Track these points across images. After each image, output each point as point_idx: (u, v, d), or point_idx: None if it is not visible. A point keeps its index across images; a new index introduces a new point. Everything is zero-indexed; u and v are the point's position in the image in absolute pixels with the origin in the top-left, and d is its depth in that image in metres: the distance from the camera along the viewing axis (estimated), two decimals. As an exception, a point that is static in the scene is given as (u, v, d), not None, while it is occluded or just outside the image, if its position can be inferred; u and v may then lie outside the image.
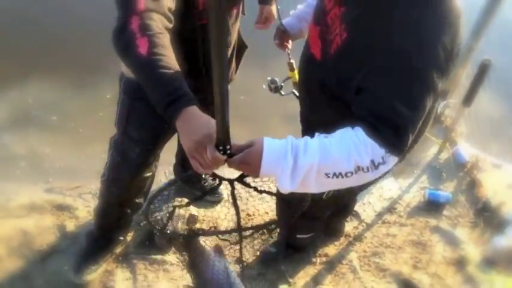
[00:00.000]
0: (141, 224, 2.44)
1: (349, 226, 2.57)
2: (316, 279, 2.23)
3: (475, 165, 2.99)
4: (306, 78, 1.60)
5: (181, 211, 2.42)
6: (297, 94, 1.95)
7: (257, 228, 1.95)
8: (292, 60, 2.04)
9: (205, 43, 1.65)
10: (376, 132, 1.08)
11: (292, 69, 2.08)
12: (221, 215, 2.56)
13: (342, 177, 1.10)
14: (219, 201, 2.68)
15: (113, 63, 1.70)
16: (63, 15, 3.85)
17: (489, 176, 2.95)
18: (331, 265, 2.31)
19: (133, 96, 1.81)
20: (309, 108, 1.65)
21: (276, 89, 2.13)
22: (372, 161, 1.09)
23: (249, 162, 1.13)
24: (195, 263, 1.72)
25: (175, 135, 2.22)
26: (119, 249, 2.30)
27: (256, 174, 1.15)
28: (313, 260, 2.35)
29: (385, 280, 2.24)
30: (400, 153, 1.11)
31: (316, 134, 1.16)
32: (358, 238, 2.50)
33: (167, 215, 2.10)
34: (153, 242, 2.35)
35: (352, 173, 1.10)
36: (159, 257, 2.28)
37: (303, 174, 1.10)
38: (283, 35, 1.91)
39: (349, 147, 1.09)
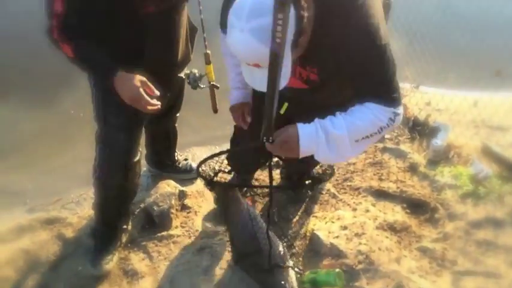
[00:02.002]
0: (136, 212, 2.57)
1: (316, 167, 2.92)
2: (307, 211, 2.54)
3: (397, 93, 3.49)
4: (298, 97, 1.78)
5: (171, 189, 2.60)
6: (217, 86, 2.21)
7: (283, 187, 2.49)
8: (208, 51, 2.17)
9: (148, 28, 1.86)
10: (381, 100, 1.44)
11: (208, 62, 2.20)
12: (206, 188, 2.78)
13: (369, 137, 1.48)
14: (195, 178, 2.88)
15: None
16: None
17: (410, 99, 3.48)
18: (313, 198, 2.63)
19: (103, 88, 1.95)
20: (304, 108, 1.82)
21: (195, 84, 2.28)
22: (390, 118, 1.46)
23: (288, 145, 1.46)
24: (230, 208, 1.99)
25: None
26: (124, 238, 2.41)
27: (297, 154, 1.48)
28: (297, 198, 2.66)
29: (361, 196, 2.61)
30: (401, 102, 1.50)
31: (337, 113, 1.48)
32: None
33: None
34: (152, 223, 2.50)
35: (376, 133, 1.47)
36: (164, 233, 2.43)
37: (337, 144, 1.45)
38: (242, 109, 2.02)
39: (369, 115, 1.43)
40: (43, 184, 2.85)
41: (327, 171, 2.63)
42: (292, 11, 1.20)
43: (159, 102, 1.75)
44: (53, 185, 2.84)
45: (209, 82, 2.26)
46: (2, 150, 3.00)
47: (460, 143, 3.01)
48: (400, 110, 1.48)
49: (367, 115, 1.44)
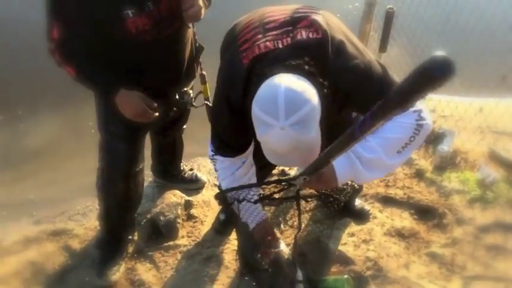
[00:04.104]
0: (142, 223, 2.57)
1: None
2: (314, 219, 2.51)
3: (402, 100, 3.48)
4: None
5: (177, 199, 2.59)
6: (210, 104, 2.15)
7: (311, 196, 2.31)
8: (204, 72, 2.19)
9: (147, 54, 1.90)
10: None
11: (203, 82, 2.22)
12: (211, 198, 2.77)
13: (410, 143, 1.42)
14: (201, 187, 2.88)
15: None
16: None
17: (415, 106, 3.47)
18: (322, 205, 2.62)
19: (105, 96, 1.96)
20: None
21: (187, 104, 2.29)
22: (415, 119, 1.40)
23: (325, 178, 1.45)
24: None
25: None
26: (130, 249, 2.40)
27: (335, 183, 1.48)
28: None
29: (368, 202, 2.59)
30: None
31: (368, 137, 1.41)
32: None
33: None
34: (159, 234, 2.49)
35: (413, 136, 1.41)
36: (171, 243, 2.42)
37: (374, 165, 1.44)
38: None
39: (395, 126, 1.38)
40: (49, 195, 2.86)
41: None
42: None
43: (157, 113, 1.88)
44: (60, 196, 2.85)
45: (205, 99, 2.28)
46: (8, 161, 3.02)
47: (466, 148, 3.00)
48: (418, 106, 1.42)
49: (393, 126, 1.39)
